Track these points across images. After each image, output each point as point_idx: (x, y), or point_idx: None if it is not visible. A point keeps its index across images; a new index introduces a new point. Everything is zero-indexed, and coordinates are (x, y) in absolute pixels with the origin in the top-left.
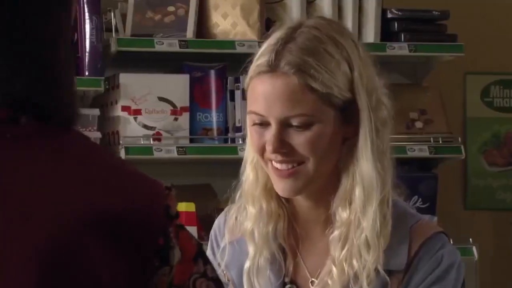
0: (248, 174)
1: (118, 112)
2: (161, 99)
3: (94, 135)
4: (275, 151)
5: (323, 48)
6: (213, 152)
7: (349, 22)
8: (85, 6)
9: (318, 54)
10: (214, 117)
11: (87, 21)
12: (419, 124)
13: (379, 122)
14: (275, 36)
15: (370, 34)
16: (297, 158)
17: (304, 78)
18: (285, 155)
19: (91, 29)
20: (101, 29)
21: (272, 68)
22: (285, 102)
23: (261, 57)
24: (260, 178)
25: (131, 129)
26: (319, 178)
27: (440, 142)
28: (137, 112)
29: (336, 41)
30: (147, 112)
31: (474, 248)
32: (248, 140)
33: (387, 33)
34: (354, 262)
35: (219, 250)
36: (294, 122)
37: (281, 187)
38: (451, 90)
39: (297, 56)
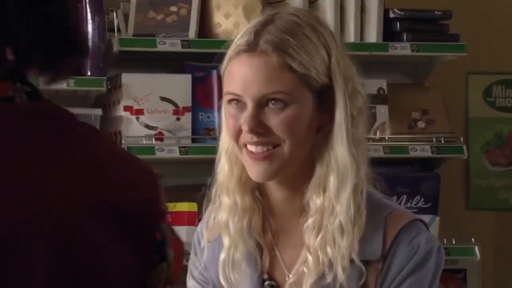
0: (223, 165)
1: (120, 112)
2: (163, 99)
3: None
4: (251, 130)
5: (301, 31)
6: (215, 152)
7: (351, 22)
8: (87, 6)
9: (297, 35)
10: (216, 117)
11: (90, 21)
12: (421, 124)
13: (355, 110)
14: (254, 20)
15: (372, 34)
16: (273, 140)
17: (283, 56)
18: (261, 135)
19: (93, 29)
20: (104, 29)
21: (251, 47)
22: (263, 80)
23: (240, 38)
24: (235, 170)
25: (133, 129)
26: (294, 163)
27: (442, 142)
28: (139, 112)
29: (314, 27)
30: (149, 112)
31: (476, 248)
32: (223, 127)
33: (389, 33)
34: (329, 249)
35: (200, 251)
36: (271, 100)
37: (255, 171)
38: (453, 90)
39: (276, 35)
